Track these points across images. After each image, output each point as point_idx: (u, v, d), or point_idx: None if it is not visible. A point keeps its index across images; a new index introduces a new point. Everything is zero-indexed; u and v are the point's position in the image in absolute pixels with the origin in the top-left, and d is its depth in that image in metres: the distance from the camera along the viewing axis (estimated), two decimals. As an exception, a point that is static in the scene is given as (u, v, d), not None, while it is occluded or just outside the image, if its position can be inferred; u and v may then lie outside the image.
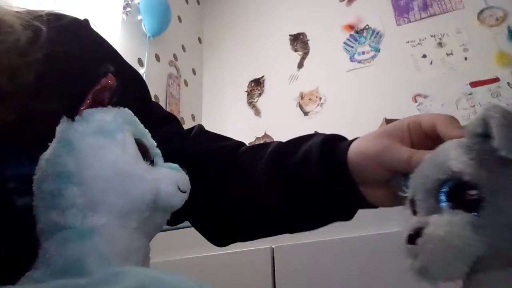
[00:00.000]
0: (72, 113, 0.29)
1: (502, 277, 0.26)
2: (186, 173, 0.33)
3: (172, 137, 0.49)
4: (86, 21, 0.46)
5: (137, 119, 0.33)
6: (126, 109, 0.32)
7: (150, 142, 0.33)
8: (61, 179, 0.28)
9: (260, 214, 0.46)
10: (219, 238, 0.51)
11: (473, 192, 0.26)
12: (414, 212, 0.31)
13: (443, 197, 0.28)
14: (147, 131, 0.34)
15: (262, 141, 2.30)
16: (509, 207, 0.25)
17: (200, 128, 0.55)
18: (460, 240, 0.25)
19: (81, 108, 0.29)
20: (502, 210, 0.25)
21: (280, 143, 0.47)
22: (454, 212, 0.26)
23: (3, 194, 0.29)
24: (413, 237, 0.27)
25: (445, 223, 0.26)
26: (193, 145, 0.51)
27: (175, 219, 0.49)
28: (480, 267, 0.26)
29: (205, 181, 0.47)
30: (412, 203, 0.31)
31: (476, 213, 0.26)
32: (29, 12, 0.39)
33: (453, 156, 0.28)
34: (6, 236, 0.31)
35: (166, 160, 0.35)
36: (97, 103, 0.30)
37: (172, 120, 0.54)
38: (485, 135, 0.27)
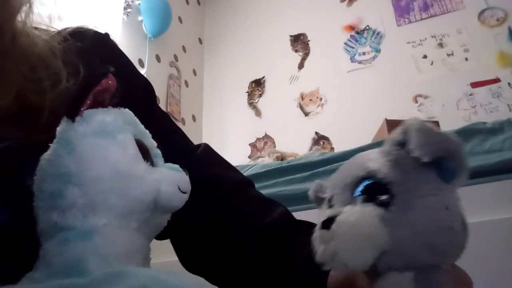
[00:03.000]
0: (73, 114, 0.29)
1: (397, 279, 0.29)
2: (187, 174, 0.32)
3: (176, 152, 0.48)
4: (106, 35, 0.51)
5: (137, 119, 0.33)
6: (127, 109, 0.32)
7: (151, 143, 0.33)
8: (62, 179, 0.28)
9: (229, 270, 0.46)
10: (190, 262, 0.50)
11: (386, 189, 0.29)
12: (331, 207, 0.33)
13: (358, 192, 0.30)
14: (148, 131, 0.34)
15: (262, 142, 2.30)
16: (415, 206, 0.28)
17: (206, 147, 0.53)
18: (369, 228, 0.27)
19: (82, 109, 0.29)
20: (408, 208, 0.28)
21: (284, 216, 0.47)
22: (366, 204, 0.29)
23: (29, 207, 0.29)
24: (327, 223, 0.28)
25: (357, 211, 0.28)
26: (198, 165, 0.49)
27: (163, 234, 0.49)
28: (383, 264, 0.28)
29: (201, 207, 0.46)
30: (330, 201, 0.33)
31: (385, 208, 0.28)
32: (59, 33, 0.43)
33: (373, 158, 0.31)
34: (20, 244, 0.31)
35: None
36: (98, 104, 0.30)
37: (178, 134, 0.53)
38: (403, 144, 0.30)
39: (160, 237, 0.47)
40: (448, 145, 0.28)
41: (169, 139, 0.48)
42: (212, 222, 0.47)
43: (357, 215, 0.28)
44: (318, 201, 0.35)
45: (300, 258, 0.41)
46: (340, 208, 0.29)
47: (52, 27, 0.44)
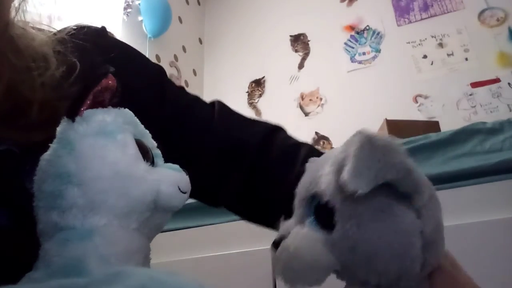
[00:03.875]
0: (73, 114, 0.29)
1: None
2: (186, 174, 0.33)
3: (195, 126, 0.50)
4: (103, 29, 0.50)
5: (137, 119, 0.33)
6: (127, 109, 0.32)
7: (151, 143, 0.33)
8: (62, 179, 0.28)
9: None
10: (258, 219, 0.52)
11: (331, 213, 0.28)
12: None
13: (311, 210, 0.30)
14: (148, 131, 0.34)
15: (262, 142, 2.30)
16: (354, 233, 0.27)
17: (221, 110, 0.53)
18: (309, 255, 0.27)
19: (82, 109, 0.29)
20: (348, 235, 0.27)
21: (309, 153, 0.48)
22: (312, 227, 0.29)
23: (29, 208, 0.29)
24: (276, 243, 0.29)
25: (300, 237, 0.28)
26: (221, 132, 0.50)
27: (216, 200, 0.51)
28: (341, 278, 0.29)
29: (240, 174, 0.48)
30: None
31: (329, 232, 0.28)
32: (60, 32, 0.43)
33: (325, 172, 0.29)
34: (20, 244, 0.31)
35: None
36: (98, 104, 0.30)
37: (193, 105, 0.53)
38: None
39: (213, 204, 0.52)
40: (391, 171, 0.25)
41: (185, 116, 0.50)
42: (253, 185, 0.49)
43: (297, 242, 0.28)
44: None
45: None
46: (291, 227, 0.30)
47: (52, 28, 0.44)
